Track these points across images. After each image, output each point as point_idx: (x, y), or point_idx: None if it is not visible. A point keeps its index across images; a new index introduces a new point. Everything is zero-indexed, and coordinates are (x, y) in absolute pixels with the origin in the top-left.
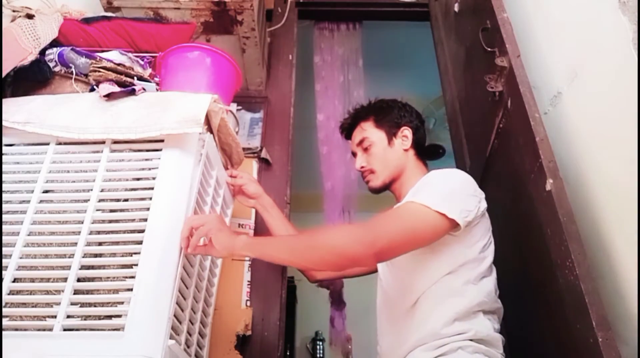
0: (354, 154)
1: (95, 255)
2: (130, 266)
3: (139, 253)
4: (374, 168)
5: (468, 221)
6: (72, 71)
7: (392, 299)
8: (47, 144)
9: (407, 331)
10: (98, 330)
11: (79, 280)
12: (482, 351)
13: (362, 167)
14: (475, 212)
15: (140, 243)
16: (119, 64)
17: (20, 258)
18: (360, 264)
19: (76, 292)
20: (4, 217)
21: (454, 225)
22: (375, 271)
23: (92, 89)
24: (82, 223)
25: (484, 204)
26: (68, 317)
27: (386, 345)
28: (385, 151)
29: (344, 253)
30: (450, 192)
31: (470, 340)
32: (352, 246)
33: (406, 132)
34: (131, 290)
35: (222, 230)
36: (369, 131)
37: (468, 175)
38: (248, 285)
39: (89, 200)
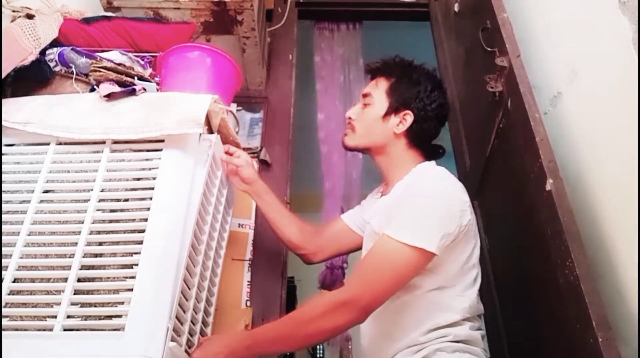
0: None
1: (96, 255)
2: (130, 266)
3: (139, 253)
4: (356, 126)
5: (447, 246)
6: (72, 71)
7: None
8: (48, 144)
9: (388, 339)
10: (98, 330)
11: (79, 280)
12: (461, 349)
13: (349, 117)
14: (456, 233)
15: (141, 243)
16: (119, 64)
17: (21, 258)
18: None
19: (76, 292)
20: (4, 217)
21: (433, 255)
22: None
23: (93, 89)
24: (83, 223)
25: (466, 218)
26: (68, 317)
27: (366, 345)
28: (375, 120)
29: (338, 330)
30: (429, 216)
31: (449, 341)
32: (342, 322)
33: (407, 117)
34: (131, 290)
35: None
36: (379, 91)
37: (452, 182)
38: (248, 285)
39: (89, 200)
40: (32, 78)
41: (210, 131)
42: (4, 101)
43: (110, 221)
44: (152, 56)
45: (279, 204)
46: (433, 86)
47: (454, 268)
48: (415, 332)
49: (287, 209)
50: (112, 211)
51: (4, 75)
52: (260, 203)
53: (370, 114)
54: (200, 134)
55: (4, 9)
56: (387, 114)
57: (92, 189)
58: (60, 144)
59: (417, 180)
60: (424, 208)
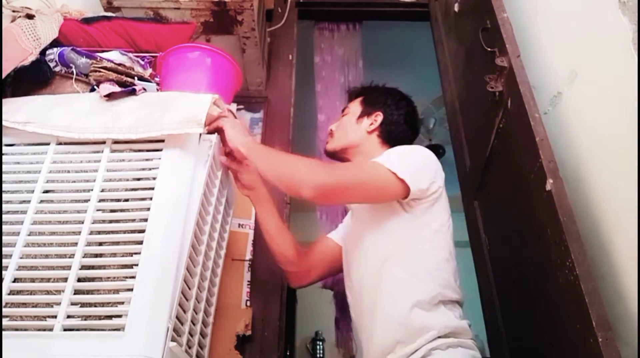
0: None
1: (96, 255)
2: (130, 266)
3: (139, 253)
4: (335, 133)
5: (419, 190)
6: (72, 71)
7: (356, 280)
8: (48, 144)
9: (373, 318)
10: (98, 330)
11: (79, 280)
12: (453, 344)
13: (330, 129)
14: (427, 185)
15: (141, 243)
16: (119, 64)
17: (21, 258)
18: (304, 197)
19: (76, 292)
20: (4, 217)
21: (404, 191)
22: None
23: (93, 89)
24: (83, 223)
25: (438, 184)
26: (68, 317)
27: (361, 333)
28: (350, 124)
29: (301, 182)
30: (406, 158)
31: (439, 337)
32: (308, 178)
33: (377, 118)
34: (131, 290)
35: (235, 126)
36: (354, 104)
37: (431, 154)
38: (248, 285)
39: (89, 200)
40: (32, 78)
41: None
42: (4, 101)
43: (111, 221)
44: (152, 56)
45: (278, 216)
46: (401, 97)
47: (425, 234)
48: (399, 307)
49: (284, 223)
50: (112, 211)
51: (4, 75)
52: (258, 211)
53: (347, 120)
54: (200, 134)
55: (4, 9)
56: (360, 116)
57: (92, 189)
58: (60, 144)
59: (393, 148)
60: (403, 153)
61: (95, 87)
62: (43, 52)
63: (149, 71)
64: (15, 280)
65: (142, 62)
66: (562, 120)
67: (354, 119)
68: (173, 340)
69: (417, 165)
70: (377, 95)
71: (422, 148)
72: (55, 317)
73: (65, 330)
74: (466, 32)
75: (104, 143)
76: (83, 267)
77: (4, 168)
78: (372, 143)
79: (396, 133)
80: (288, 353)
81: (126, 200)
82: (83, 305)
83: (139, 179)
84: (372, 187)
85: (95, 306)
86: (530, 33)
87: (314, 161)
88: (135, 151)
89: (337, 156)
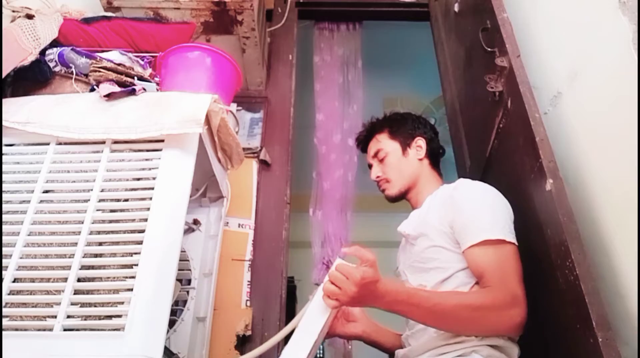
0: (370, 166)
1: (96, 255)
2: (130, 266)
3: (139, 253)
4: (389, 177)
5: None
6: (72, 71)
7: None
8: (47, 144)
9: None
10: (98, 330)
11: (79, 280)
12: (495, 355)
13: (377, 177)
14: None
15: (141, 243)
16: (119, 64)
17: (21, 258)
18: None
19: (76, 292)
20: (4, 217)
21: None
22: None
23: (92, 89)
24: (83, 223)
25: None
26: (68, 317)
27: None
28: (400, 161)
29: (507, 330)
30: (502, 217)
31: (487, 345)
32: (516, 321)
33: (420, 143)
34: (131, 290)
35: (355, 297)
36: (384, 142)
37: (493, 190)
38: (248, 285)
39: (89, 200)
40: (32, 78)
41: (211, 131)
42: (4, 101)
43: (110, 221)
44: (152, 56)
45: (386, 329)
46: (415, 115)
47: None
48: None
49: (383, 328)
50: (112, 211)
51: (4, 75)
52: (374, 341)
53: (393, 160)
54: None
55: (4, 9)
56: (404, 150)
57: (92, 189)
58: (60, 144)
59: (461, 189)
60: (494, 209)
61: (95, 87)
62: (43, 52)
63: (149, 70)
64: (15, 280)
65: (142, 62)
66: (562, 120)
67: (400, 155)
68: None
69: (504, 215)
70: (401, 123)
71: (485, 189)
72: (55, 317)
73: (65, 330)
74: (466, 32)
75: (103, 143)
76: (83, 267)
77: (4, 168)
78: (426, 170)
79: (437, 149)
80: None
81: (126, 200)
82: (83, 305)
83: (138, 179)
84: (518, 264)
85: (95, 306)
86: (530, 33)
87: (479, 302)
88: (135, 151)
89: (400, 198)
